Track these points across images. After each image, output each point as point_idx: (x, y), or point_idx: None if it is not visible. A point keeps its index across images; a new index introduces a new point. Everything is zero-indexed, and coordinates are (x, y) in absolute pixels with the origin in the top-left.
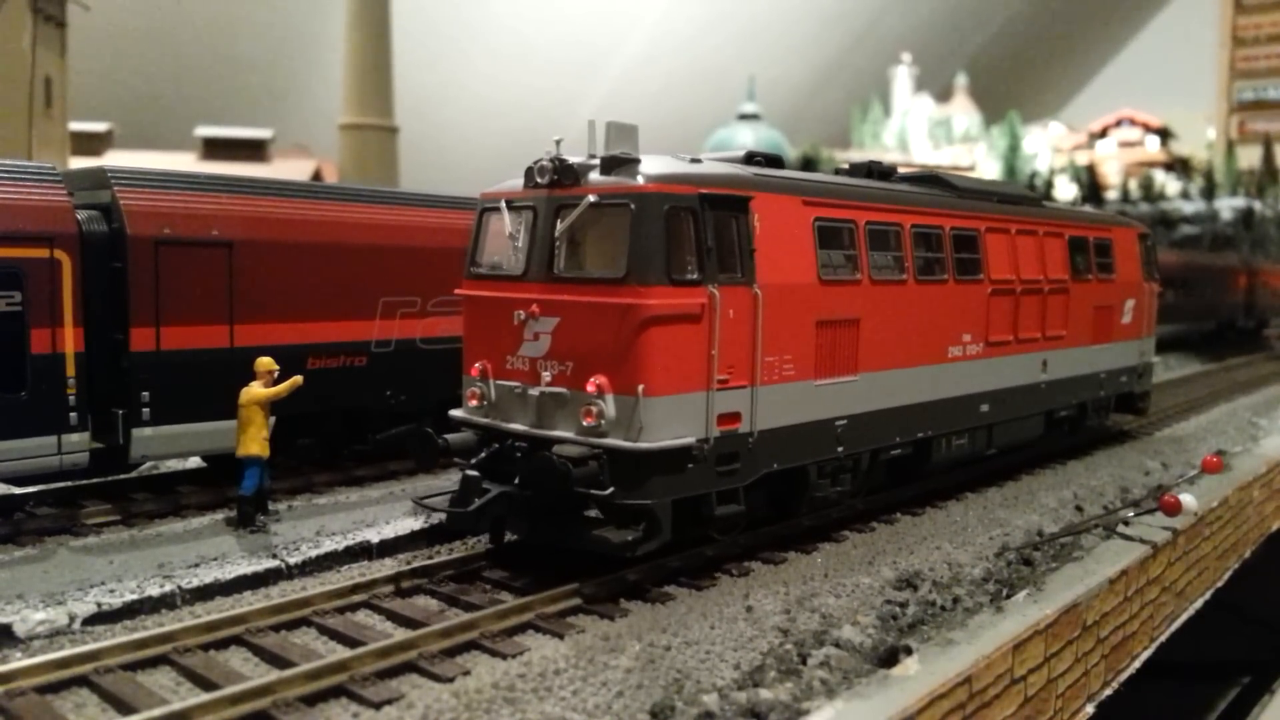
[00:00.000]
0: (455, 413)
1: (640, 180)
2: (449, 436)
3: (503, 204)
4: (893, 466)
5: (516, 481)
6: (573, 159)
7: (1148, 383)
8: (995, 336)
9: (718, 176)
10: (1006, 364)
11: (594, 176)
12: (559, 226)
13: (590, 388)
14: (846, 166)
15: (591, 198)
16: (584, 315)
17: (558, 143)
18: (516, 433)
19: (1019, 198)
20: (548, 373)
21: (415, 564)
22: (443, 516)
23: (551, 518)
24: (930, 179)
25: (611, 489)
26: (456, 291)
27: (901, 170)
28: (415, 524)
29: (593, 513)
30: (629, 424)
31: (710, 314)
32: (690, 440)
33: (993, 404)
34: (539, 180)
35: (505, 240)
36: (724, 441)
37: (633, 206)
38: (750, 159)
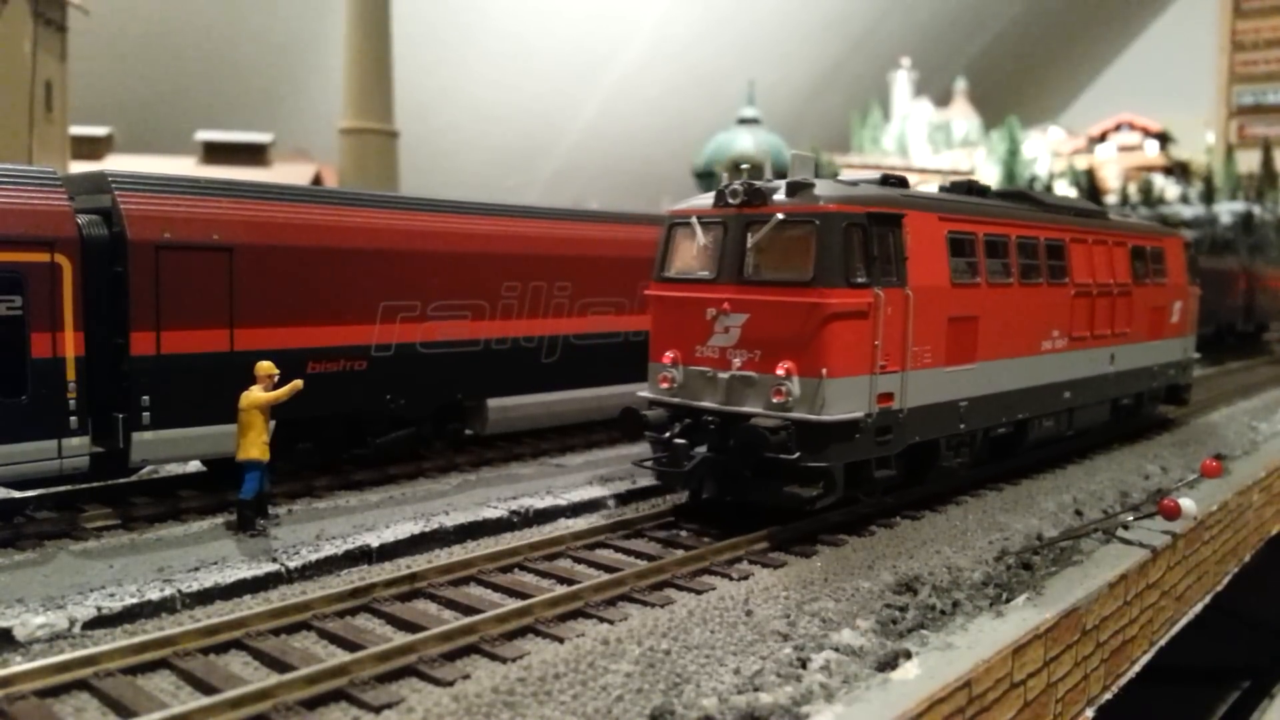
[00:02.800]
0: (644, 393)
1: (823, 202)
2: (646, 413)
3: (694, 220)
4: (996, 444)
5: (706, 448)
6: (757, 184)
7: (1190, 376)
8: (1076, 332)
9: (880, 197)
10: (1084, 357)
11: (778, 198)
12: (750, 239)
13: (780, 371)
14: (949, 185)
15: (780, 215)
16: (773, 311)
17: (744, 171)
18: (706, 409)
19: (1090, 211)
20: (737, 359)
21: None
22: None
23: (744, 478)
24: (1019, 195)
25: (798, 454)
26: (646, 293)
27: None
28: (415, 528)
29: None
30: (812, 401)
31: (875, 311)
32: (859, 415)
33: (1073, 391)
34: (730, 201)
35: (694, 249)
36: (882, 416)
37: (817, 223)
38: (885, 180)
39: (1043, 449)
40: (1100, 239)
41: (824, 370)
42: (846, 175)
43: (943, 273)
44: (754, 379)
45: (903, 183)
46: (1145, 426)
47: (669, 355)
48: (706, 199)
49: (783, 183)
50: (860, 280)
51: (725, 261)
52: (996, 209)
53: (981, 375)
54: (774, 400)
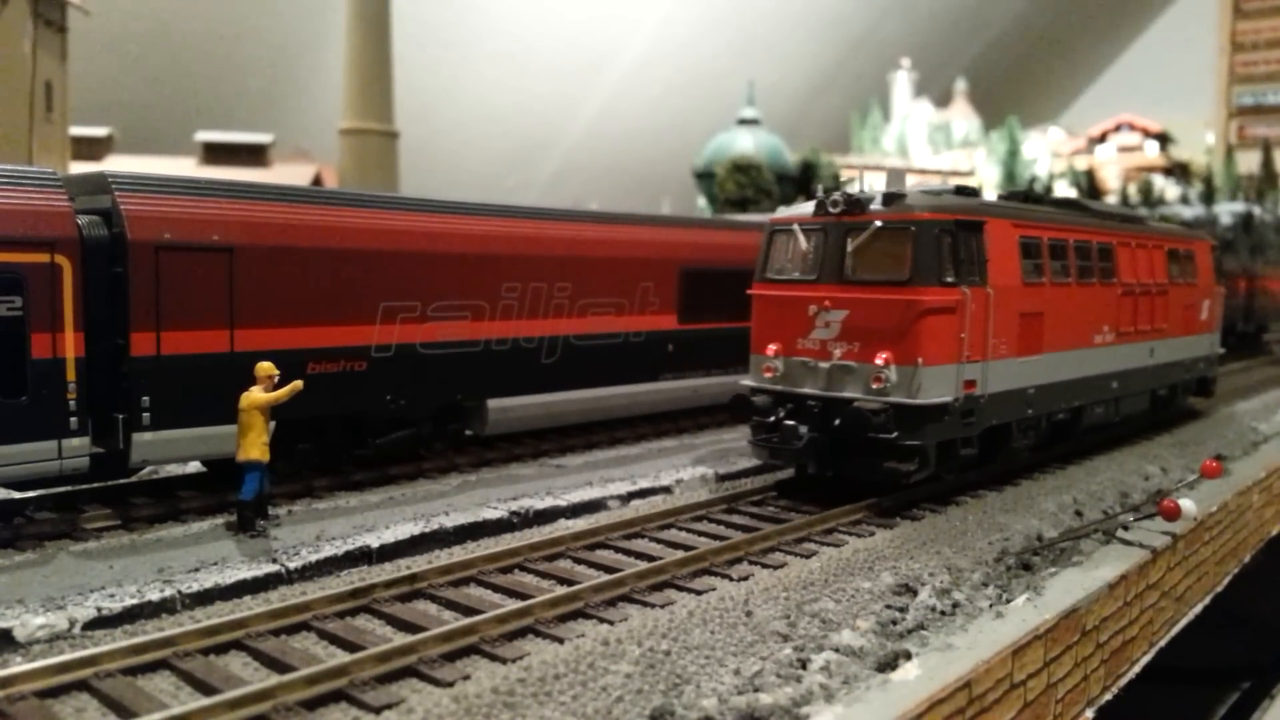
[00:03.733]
0: (747, 381)
1: (918, 210)
2: (754, 399)
3: (795, 227)
4: (1055, 428)
5: (805, 429)
6: (856, 194)
7: (1215, 369)
8: (1123, 328)
9: (965, 206)
10: (1129, 350)
11: (875, 207)
12: (850, 243)
13: (879, 360)
14: (1006, 193)
15: (878, 223)
16: (872, 308)
17: (842, 184)
18: (808, 395)
19: (1132, 217)
20: (837, 350)
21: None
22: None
23: (847, 454)
24: (1070, 203)
25: (896, 433)
26: (750, 292)
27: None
28: (415, 529)
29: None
30: (909, 386)
31: (962, 307)
32: (948, 399)
33: (1120, 382)
34: (830, 210)
35: (795, 253)
36: (967, 401)
37: (913, 229)
38: (958, 191)
39: (1092, 434)
40: (1141, 243)
41: (919, 359)
42: (916, 185)
43: (1015, 273)
44: (853, 367)
45: (975, 192)
46: (1177, 415)
47: (772, 347)
48: (806, 208)
49: (879, 193)
50: (950, 280)
51: (826, 264)
52: (1057, 216)
53: (1046, 365)
54: (873, 386)
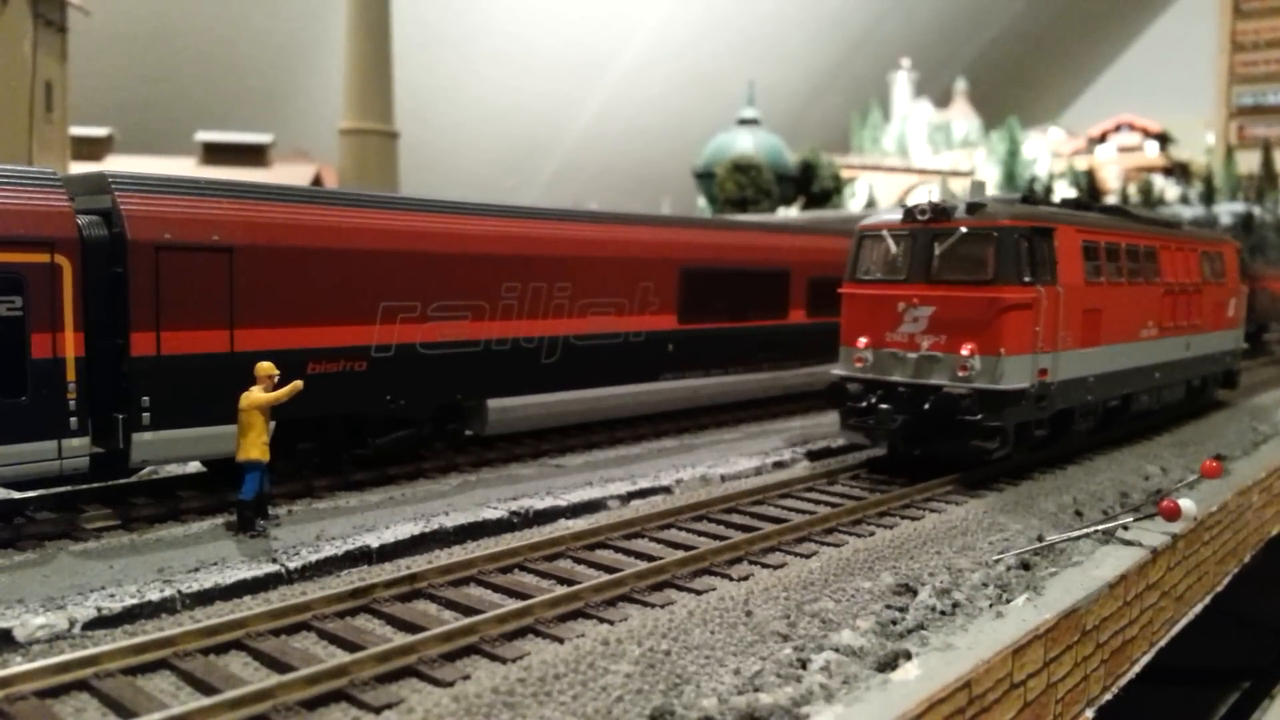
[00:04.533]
0: (837, 370)
1: (1000, 218)
2: (848, 386)
3: (885, 233)
4: (1108, 414)
5: (889, 410)
6: (942, 203)
7: (1239, 362)
8: (1164, 324)
9: (1039, 214)
10: (1169, 344)
11: (960, 215)
12: (937, 247)
13: (964, 351)
14: (1061, 201)
15: (964, 229)
16: (957, 304)
17: (931, 192)
18: (897, 382)
19: (1170, 223)
20: (925, 342)
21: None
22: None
23: (936, 435)
24: (1114, 209)
25: (980, 415)
26: (841, 290)
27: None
28: (415, 529)
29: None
30: (992, 374)
31: (1037, 304)
32: (1025, 385)
33: (1161, 372)
34: (918, 217)
35: (884, 256)
36: (1040, 387)
37: (996, 235)
38: (1025, 199)
39: (1137, 421)
40: (1179, 246)
41: (1001, 350)
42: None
43: (1079, 273)
44: (939, 357)
45: (1039, 199)
46: (1207, 405)
47: (862, 340)
48: (893, 215)
49: (962, 202)
50: (1027, 279)
51: (914, 265)
52: (1111, 222)
53: (1103, 356)
54: (959, 374)
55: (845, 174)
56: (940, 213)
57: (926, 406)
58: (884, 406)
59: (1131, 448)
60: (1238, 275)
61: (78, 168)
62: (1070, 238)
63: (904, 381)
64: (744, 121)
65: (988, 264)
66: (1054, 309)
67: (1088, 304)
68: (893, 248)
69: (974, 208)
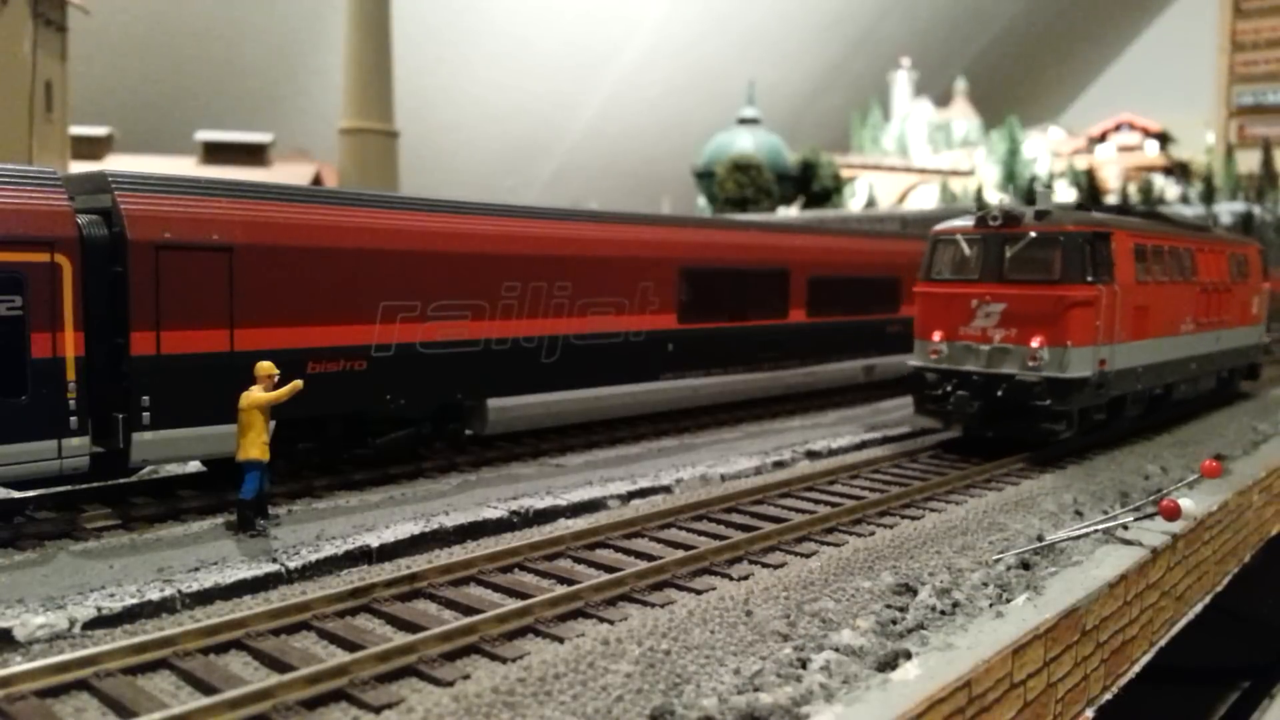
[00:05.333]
0: (913, 361)
1: (1066, 224)
2: (926, 375)
3: (959, 237)
4: (1151, 402)
5: (967, 396)
6: (1012, 210)
7: (1261, 356)
8: (1200, 319)
9: (1099, 220)
10: (1203, 338)
11: (1027, 221)
12: (1008, 250)
13: (1034, 343)
14: (1104, 207)
15: (1033, 234)
16: (1027, 301)
17: (1002, 200)
18: (970, 372)
19: (1202, 227)
20: (997, 335)
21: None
22: None
23: (1008, 418)
24: (1154, 214)
25: (1049, 400)
26: (915, 290)
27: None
28: (415, 528)
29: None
30: (1060, 363)
31: (1098, 301)
32: (1088, 373)
33: (1197, 364)
34: (990, 223)
35: (957, 258)
36: (1099, 375)
37: (1062, 239)
38: (1078, 206)
39: (1175, 408)
40: (1211, 248)
41: (1068, 342)
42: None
43: (1132, 273)
44: (1010, 349)
45: (1092, 206)
46: (1234, 395)
47: (937, 334)
48: (966, 221)
49: (1030, 210)
50: (1089, 279)
51: (986, 266)
52: (1155, 227)
53: (1150, 349)
54: (1029, 364)
55: (845, 173)
56: (1010, 219)
57: (1000, 393)
58: (962, 393)
59: (1131, 447)
60: (1261, 275)
61: (78, 167)
62: (1124, 241)
63: (978, 371)
64: (744, 121)
65: (1055, 265)
66: (1111, 305)
67: (1138, 301)
68: (966, 250)
69: (1041, 215)
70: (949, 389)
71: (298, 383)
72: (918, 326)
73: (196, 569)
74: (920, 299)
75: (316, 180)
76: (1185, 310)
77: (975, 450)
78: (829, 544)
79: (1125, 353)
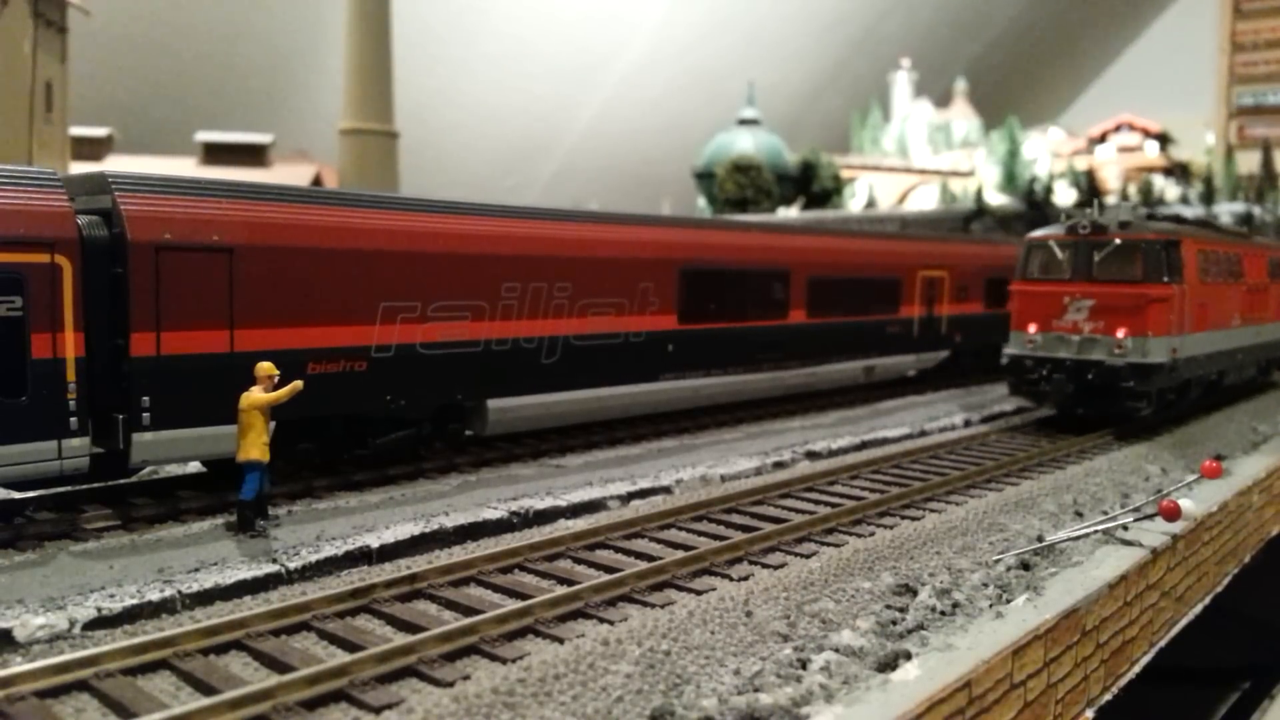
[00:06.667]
0: (1011, 350)
1: (1147, 233)
2: (1025, 362)
3: (1052, 243)
4: (1207, 387)
5: (1063, 379)
6: (1099, 220)
7: None
8: (1245, 315)
9: (1170, 229)
10: (1248, 331)
11: (1113, 230)
12: (1096, 255)
13: (1119, 334)
14: (1162, 216)
15: (1118, 241)
16: (1113, 298)
17: (1089, 213)
18: (1063, 359)
19: (1243, 233)
20: (1086, 327)
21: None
22: None
23: (1097, 398)
24: (1203, 223)
25: (1133, 383)
26: (1012, 288)
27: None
28: (415, 529)
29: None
30: (1141, 351)
31: (1172, 298)
32: (1164, 360)
33: (1242, 354)
34: (1080, 231)
35: (1050, 261)
36: (1173, 362)
37: (1143, 246)
38: (1150, 216)
39: (1224, 393)
40: (1254, 252)
41: (1149, 332)
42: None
43: (1196, 275)
44: (1098, 339)
45: (1161, 217)
46: (1267, 384)
47: (1032, 327)
48: (1057, 229)
49: (1115, 220)
50: (1165, 279)
51: (1077, 267)
52: (1210, 234)
53: (1209, 340)
54: (1115, 351)
55: (845, 174)
56: (1098, 228)
57: (1090, 376)
58: (1058, 376)
59: (1132, 447)
60: None
61: (78, 168)
62: (1190, 247)
63: (1069, 358)
64: (744, 122)
65: (1137, 268)
66: (1181, 302)
67: (1201, 299)
68: (1058, 254)
69: (1124, 225)
70: (1044, 373)
71: (298, 383)
72: (1014, 320)
73: (196, 569)
74: (1016, 296)
75: (316, 181)
76: (1234, 307)
77: (976, 449)
78: (829, 544)
79: (1191, 343)
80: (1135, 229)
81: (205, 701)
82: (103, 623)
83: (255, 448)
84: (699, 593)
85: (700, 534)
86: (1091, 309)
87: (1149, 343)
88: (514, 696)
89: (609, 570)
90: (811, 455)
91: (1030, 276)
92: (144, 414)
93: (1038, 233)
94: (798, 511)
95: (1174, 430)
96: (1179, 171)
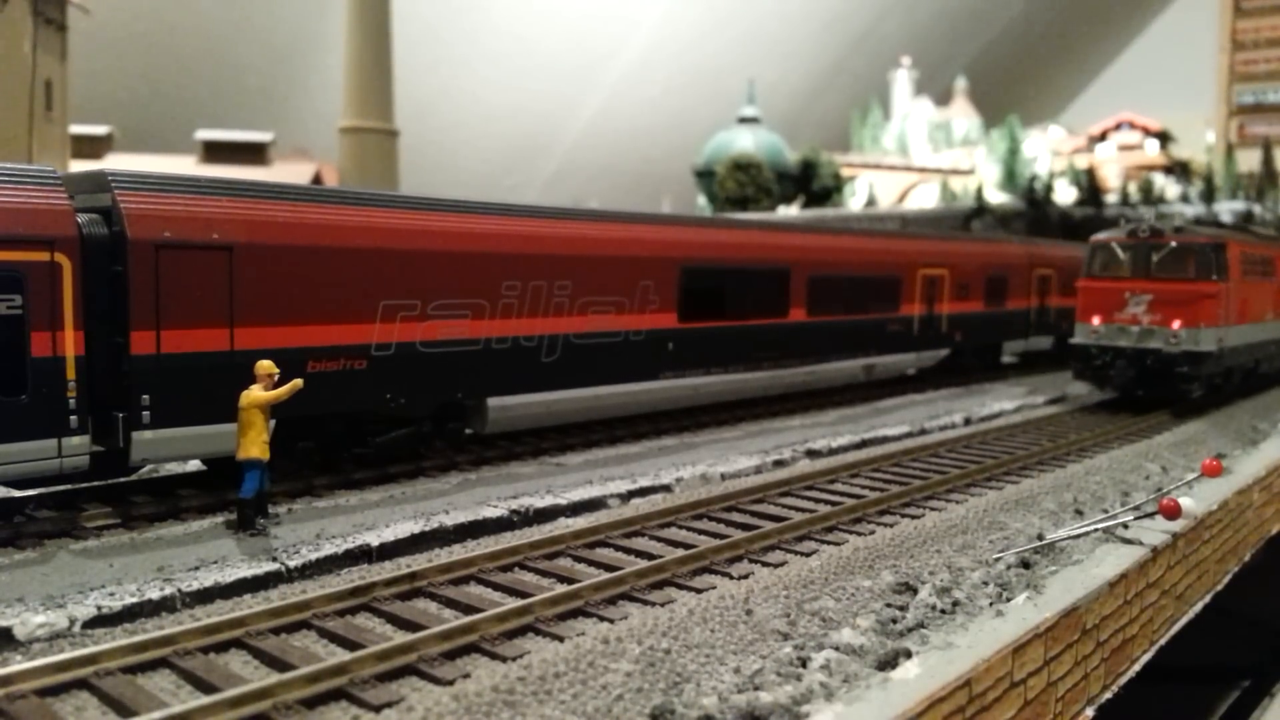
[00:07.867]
0: (1077, 339)
1: (1199, 237)
2: (1090, 350)
3: (1114, 245)
4: (1245, 374)
5: (1125, 365)
6: (1157, 225)
7: None
8: (1277, 310)
9: (1217, 234)
10: (1276, 325)
11: (1169, 233)
12: (1154, 256)
13: (1175, 325)
14: (1198, 221)
15: (1174, 243)
16: (1169, 293)
17: (1150, 218)
18: (1124, 347)
19: (1275, 236)
20: (1145, 319)
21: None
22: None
23: (1154, 381)
24: (1240, 228)
25: (1186, 368)
26: (1078, 284)
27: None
28: (415, 527)
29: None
30: (1194, 340)
31: (1220, 294)
32: (1213, 349)
33: (1275, 346)
34: (1139, 235)
35: (1112, 261)
36: (1220, 350)
37: (1196, 248)
38: (1197, 221)
39: (1259, 381)
40: None
41: (1200, 324)
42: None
43: (1239, 273)
44: (1155, 330)
45: (1208, 223)
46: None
47: (1096, 319)
48: (1119, 233)
49: (1171, 225)
50: (1215, 278)
51: (1136, 266)
52: (1248, 238)
53: (1249, 332)
54: (1171, 341)
55: (845, 172)
56: (1155, 232)
57: (1149, 363)
58: (1120, 362)
59: (1132, 446)
60: None
61: (78, 166)
62: (1234, 250)
63: (1129, 346)
64: (744, 120)
65: (1190, 267)
66: (1228, 298)
67: (1241, 295)
68: (1120, 254)
69: (1179, 229)
70: (1108, 360)
71: (298, 381)
72: (1080, 312)
73: (196, 568)
74: (1082, 291)
75: (316, 179)
76: (1268, 304)
77: (976, 447)
78: (829, 543)
79: (1235, 334)
80: (1188, 233)
81: (205, 700)
82: (103, 621)
83: (255, 446)
84: (699, 591)
85: (700, 532)
86: (1149, 303)
87: (1200, 333)
88: (514, 695)
89: (609, 569)
90: (812, 453)
91: (1094, 274)
92: (144, 412)
93: (1101, 235)
94: (798, 510)
95: (1174, 428)
96: (1179, 170)
